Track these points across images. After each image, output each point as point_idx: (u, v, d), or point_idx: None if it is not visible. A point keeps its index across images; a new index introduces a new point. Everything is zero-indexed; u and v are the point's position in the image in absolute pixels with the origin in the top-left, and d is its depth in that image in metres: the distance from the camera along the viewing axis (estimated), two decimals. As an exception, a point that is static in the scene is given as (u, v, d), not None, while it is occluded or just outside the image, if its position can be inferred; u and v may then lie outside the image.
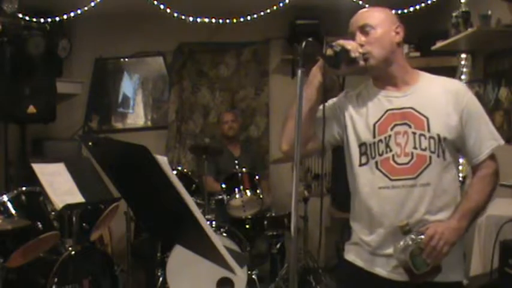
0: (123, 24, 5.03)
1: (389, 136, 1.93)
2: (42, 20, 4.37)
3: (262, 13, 4.56)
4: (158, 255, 4.10)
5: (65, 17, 4.44)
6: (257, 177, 4.38)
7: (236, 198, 4.22)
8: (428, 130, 1.91)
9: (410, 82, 1.99)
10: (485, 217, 3.01)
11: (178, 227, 1.52)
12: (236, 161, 4.62)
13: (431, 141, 1.90)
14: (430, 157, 1.90)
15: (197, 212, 1.32)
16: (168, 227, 1.62)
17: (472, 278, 2.97)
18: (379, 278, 1.95)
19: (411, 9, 4.39)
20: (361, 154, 1.96)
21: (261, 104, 5.42)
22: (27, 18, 4.30)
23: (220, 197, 4.32)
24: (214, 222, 4.09)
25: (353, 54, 1.88)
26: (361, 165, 1.96)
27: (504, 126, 3.63)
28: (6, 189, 3.56)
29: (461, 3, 3.65)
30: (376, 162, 1.93)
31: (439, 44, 3.93)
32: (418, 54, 4.57)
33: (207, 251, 1.43)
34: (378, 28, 1.94)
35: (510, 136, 3.56)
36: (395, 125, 1.93)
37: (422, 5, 4.31)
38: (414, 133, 1.91)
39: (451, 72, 4.39)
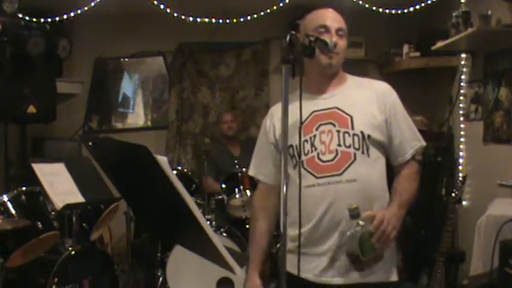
0: (123, 24, 5.02)
1: (315, 136, 1.98)
2: (42, 20, 4.36)
3: (262, 13, 4.55)
4: (158, 255, 4.10)
5: (65, 17, 4.44)
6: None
7: (236, 198, 4.22)
8: (352, 128, 1.96)
9: (337, 85, 2.06)
10: (485, 217, 3.02)
11: (178, 227, 1.52)
12: (236, 161, 4.61)
13: (355, 138, 1.96)
14: (355, 154, 1.95)
15: (197, 212, 1.32)
16: (168, 227, 1.62)
17: (472, 278, 2.97)
18: (307, 282, 1.96)
19: (411, 9, 4.39)
20: (290, 157, 2.00)
21: (261, 104, 5.41)
22: (27, 18, 4.29)
23: (220, 197, 4.32)
24: (214, 222, 4.09)
25: (328, 40, 1.90)
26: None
27: (504, 126, 3.63)
28: (6, 189, 3.56)
29: (461, 3, 3.65)
30: (303, 162, 1.97)
31: (439, 44, 3.93)
32: (418, 54, 4.57)
33: (207, 251, 1.43)
34: (345, 38, 2.03)
35: (510, 136, 3.56)
36: (320, 124, 1.99)
37: (422, 5, 4.31)
38: (338, 131, 1.97)
39: (451, 72, 4.39)
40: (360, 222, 1.85)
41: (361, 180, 1.94)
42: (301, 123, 1.87)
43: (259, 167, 2.18)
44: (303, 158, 1.98)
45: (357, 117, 1.97)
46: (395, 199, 1.97)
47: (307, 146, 1.98)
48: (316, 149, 1.97)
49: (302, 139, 1.97)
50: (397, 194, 1.99)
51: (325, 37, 1.94)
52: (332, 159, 1.95)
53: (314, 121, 2.00)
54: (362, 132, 1.96)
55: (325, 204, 1.93)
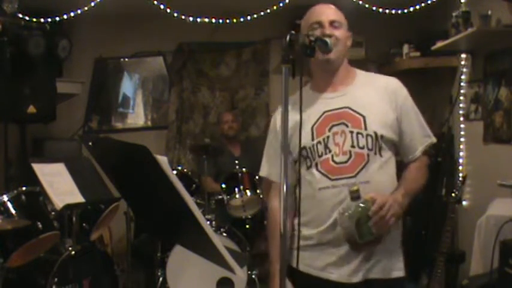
0: (123, 24, 5.02)
1: (328, 137, 1.96)
2: (42, 20, 4.36)
3: (262, 13, 4.55)
4: (158, 255, 4.10)
5: (65, 17, 4.44)
6: (257, 177, 4.37)
7: (236, 198, 4.22)
8: (365, 128, 1.94)
9: (346, 82, 2.04)
10: (485, 217, 3.02)
11: (178, 227, 1.52)
12: (236, 161, 4.61)
13: (369, 139, 1.94)
14: (368, 155, 1.93)
15: (197, 212, 1.32)
16: (168, 227, 1.62)
17: (472, 278, 2.97)
18: (321, 280, 1.97)
19: (411, 9, 4.39)
20: (304, 158, 1.98)
21: (261, 104, 5.42)
22: (27, 18, 4.29)
23: (220, 197, 4.31)
24: (214, 222, 4.09)
25: (328, 40, 1.88)
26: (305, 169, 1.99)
27: (504, 126, 3.63)
28: (6, 189, 3.56)
29: (461, 3, 3.65)
30: (317, 164, 1.96)
31: (439, 44, 3.93)
32: (418, 54, 4.57)
33: (207, 251, 1.43)
34: (343, 28, 2.01)
35: (510, 136, 3.56)
36: (333, 125, 1.97)
37: (422, 5, 4.31)
38: (351, 132, 1.95)
39: (451, 72, 4.39)
40: (361, 205, 1.83)
41: (374, 181, 1.92)
42: (301, 123, 1.85)
43: (270, 167, 2.13)
44: (317, 160, 1.96)
45: (370, 117, 1.95)
46: (401, 187, 1.96)
47: (321, 148, 1.96)
48: (330, 151, 1.95)
49: (315, 141, 1.97)
50: (404, 182, 1.99)
51: (320, 31, 1.95)
52: (346, 161, 1.93)
53: (326, 122, 1.98)
54: (375, 133, 1.94)
55: (339, 206, 1.91)
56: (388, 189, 1.95)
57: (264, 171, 2.17)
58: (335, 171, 1.94)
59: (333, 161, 1.94)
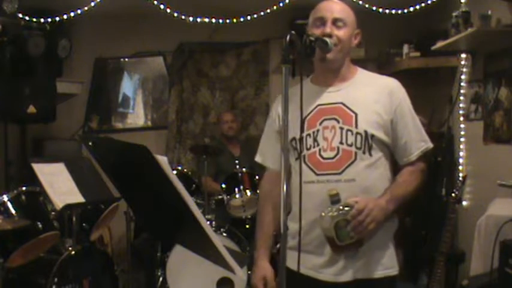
0: (123, 24, 5.02)
1: (318, 130, 1.96)
2: (42, 20, 4.36)
3: (262, 13, 4.55)
4: (158, 255, 4.10)
5: (65, 17, 4.44)
6: (257, 177, 4.37)
7: (236, 198, 4.22)
8: (356, 126, 1.93)
9: (345, 79, 2.03)
10: (485, 217, 3.02)
11: (178, 227, 1.52)
12: (236, 161, 4.62)
13: (358, 137, 1.93)
14: (356, 153, 1.92)
15: (197, 212, 1.32)
16: (168, 227, 1.62)
17: (472, 278, 2.97)
18: (309, 279, 1.96)
19: (411, 9, 4.39)
20: (293, 149, 1.99)
21: (261, 104, 5.42)
22: (27, 18, 4.29)
23: (220, 197, 4.32)
24: (214, 222, 4.09)
25: (328, 40, 1.89)
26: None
27: (504, 126, 3.63)
28: (6, 189, 3.56)
29: (461, 3, 3.65)
30: (304, 156, 1.96)
31: (439, 44, 3.93)
32: (418, 54, 4.57)
33: (207, 251, 1.43)
34: (348, 27, 1.98)
35: (510, 136, 3.56)
36: (324, 119, 1.97)
37: (423, 5, 4.31)
38: (342, 128, 1.94)
39: (451, 72, 4.39)
40: (340, 208, 1.82)
41: (360, 180, 1.92)
42: (302, 119, 1.85)
43: (266, 154, 2.15)
44: (305, 152, 1.97)
45: (362, 115, 1.94)
46: (388, 192, 1.93)
47: (310, 141, 1.96)
48: (318, 145, 1.95)
49: (305, 133, 1.96)
50: (392, 187, 1.96)
51: (321, 29, 1.94)
52: (333, 157, 1.93)
53: (318, 115, 1.98)
54: (366, 132, 1.92)
55: (323, 202, 1.89)
56: (376, 190, 1.93)
57: (259, 158, 2.19)
58: (321, 166, 1.94)
59: (320, 155, 1.94)
